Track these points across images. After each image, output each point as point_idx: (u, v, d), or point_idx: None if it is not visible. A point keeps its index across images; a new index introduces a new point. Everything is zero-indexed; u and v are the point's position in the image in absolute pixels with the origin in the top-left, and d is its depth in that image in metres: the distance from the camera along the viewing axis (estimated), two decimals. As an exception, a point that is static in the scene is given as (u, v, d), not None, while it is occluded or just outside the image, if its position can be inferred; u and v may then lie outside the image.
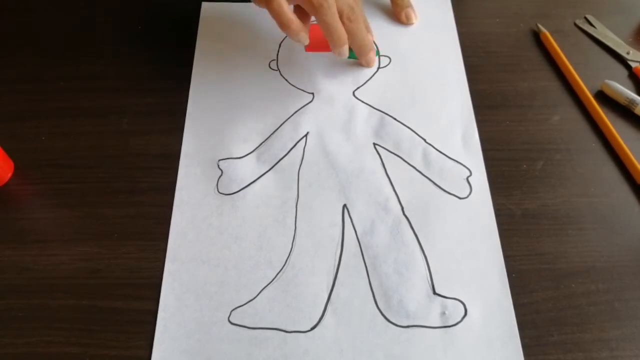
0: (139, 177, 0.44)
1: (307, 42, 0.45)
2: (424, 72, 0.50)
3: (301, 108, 0.48)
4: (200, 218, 0.42)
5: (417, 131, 0.46)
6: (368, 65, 0.50)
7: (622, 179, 0.44)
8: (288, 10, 0.42)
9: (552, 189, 0.43)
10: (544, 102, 0.49)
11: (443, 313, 0.38)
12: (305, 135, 0.46)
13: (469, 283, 0.39)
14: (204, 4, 0.55)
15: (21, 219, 0.42)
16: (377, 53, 0.51)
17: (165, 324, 0.37)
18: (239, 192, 0.43)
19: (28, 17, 0.55)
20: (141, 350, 0.36)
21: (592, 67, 0.50)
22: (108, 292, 0.39)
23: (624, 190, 0.43)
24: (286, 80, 0.50)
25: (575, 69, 0.50)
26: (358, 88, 0.49)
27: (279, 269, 0.40)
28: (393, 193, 0.43)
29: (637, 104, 0.47)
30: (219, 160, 0.45)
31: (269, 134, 0.46)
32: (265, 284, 0.39)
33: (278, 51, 0.52)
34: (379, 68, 0.50)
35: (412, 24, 0.53)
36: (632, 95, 0.47)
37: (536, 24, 0.53)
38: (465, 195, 0.43)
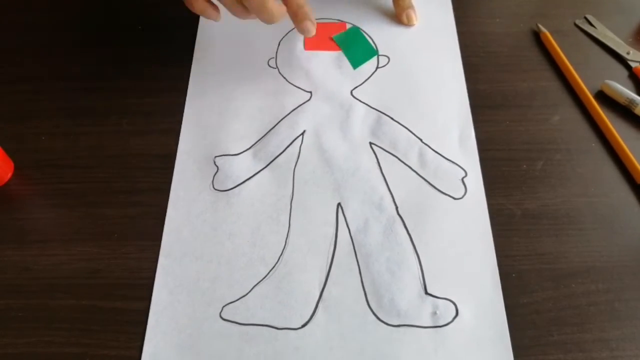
0: (139, 177, 0.44)
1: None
2: (422, 72, 0.50)
3: (298, 106, 0.48)
4: (195, 214, 0.42)
5: (413, 131, 0.46)
6: (303, 33, 0.47)
7: (622, 179, 0.44)
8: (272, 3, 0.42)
9: (552, 189, 0.43)
10: (544, 102, 0.49)
11: (434, 313, 0.38)
12: (302, 134, 0.46)
13: (461, 283, 0.39)
14: None
15: (21, 219, 0.42)
16: (376, 52, 0.51)
17: (157, 319, 0.37)
18: (234, 189, 0.43)
19: (28, 17, 0.55)
20: (141, 350, 0.36)
21: (592, 67, 0.50)
22: (108, 292, 0.39)
23: (624, 190, 0.43)
24: (284, 78, 0.50)
25: (575, 69, 0.50)
26: (356, 87, 0.49)
27: (272, 266, 0.40)
28: (388, 192, 0.43)
29: (637, 104, 0.47)
30: (215, 156, 0.45)
31: (266, 132, 0.46)
32: (258, 281, 0.39)
33: (277, 49, 0.52)
34: (377, 68, 0.51)
35: (412, 25, 0.53)
36: (632, 95, 0.47)
37: (536, 24, 0.53)
38: (460, 196, 0.43)
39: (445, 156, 0.45)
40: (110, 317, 0.38)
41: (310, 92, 0.49)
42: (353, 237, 0.41)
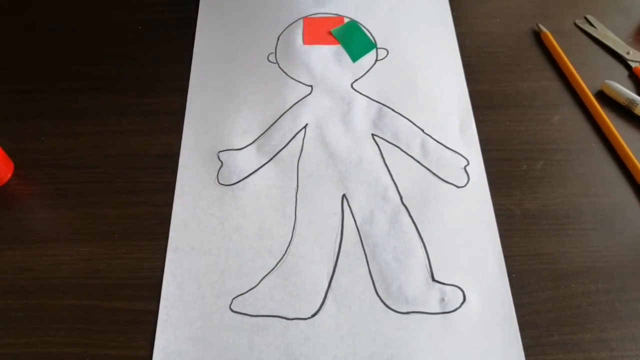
0: (139, 177, 0.44)
1: None
2: (421, 64, 0.50)
3: (300, 100, 0.48)
4: (201, 208, 0.42)
5: (415, 122, 0.47)
6: None
7: (623, 179, 0.44)
8: None
9: (552, 189, 0.43)
10: (544, 102, 0.49)
11: (442, 299, 0.38)
12: (305, 127, 0.46)
13: (467, 270, 0.39)
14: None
15: (21, 219, 0.42)
16: (375, 45, 0.52)
17: (168, 312, 0.38)
18: (238, 183, 0.43)
19: (28, 17, 0.55)
20: (141, 350, 0.36)
21: (592, 67, 0.50)
22: (108, 292, 0.39)
23: (625, 190, 0.43)
24: (285, 72, 0.50)
25: (576, 69, 0.50)
26: (356, 80, 0.50)
27: (280, 258, 0.40)
28: (392, 182, 0.43)
29: (637, 104, 0.47)
30: (219, 151, 0.45)
31: (268, 126, 0.47)
32: (266, 273, 0.39)
33: (276, 44, 0.52)
34: (376, 60, 0.51)
35: None
36: (632, 95, 0.47)
37: (537, 24, 0.53)
38: (463, 184, 0.43)
39: (447, 145, 0.45)
40: (110, 317, 0.38)
41: (311, 86, 0.49)
42: (359, 228, 0.41)
